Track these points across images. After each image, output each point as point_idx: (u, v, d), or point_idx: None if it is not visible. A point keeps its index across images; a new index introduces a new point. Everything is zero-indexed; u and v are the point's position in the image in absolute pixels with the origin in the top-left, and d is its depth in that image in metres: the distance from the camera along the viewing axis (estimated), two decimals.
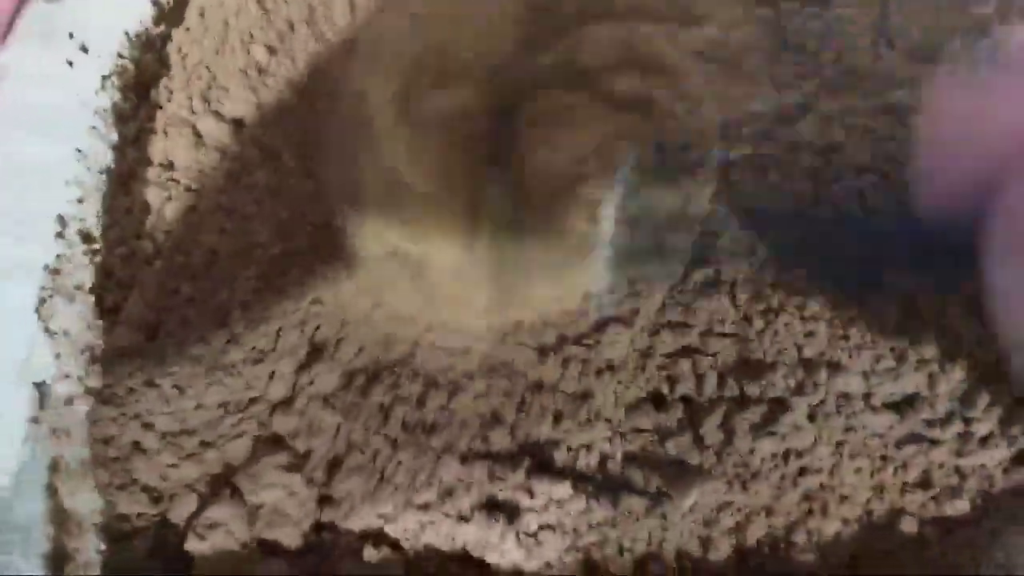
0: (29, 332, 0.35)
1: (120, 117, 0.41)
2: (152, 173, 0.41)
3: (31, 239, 0.37)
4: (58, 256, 0.37)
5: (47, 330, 0.35)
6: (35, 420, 0.34)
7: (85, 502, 0.34)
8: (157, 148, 0.42)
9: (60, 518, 0.33)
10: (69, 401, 0.35)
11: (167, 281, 0.39)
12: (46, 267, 0.36)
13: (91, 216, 0.38)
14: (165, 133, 0.42)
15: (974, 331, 0.35)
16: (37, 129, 0.40)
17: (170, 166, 0.42)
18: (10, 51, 0.42)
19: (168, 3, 0.45)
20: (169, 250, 0.40)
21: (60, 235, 0.37)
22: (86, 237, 0.38)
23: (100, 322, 0.37)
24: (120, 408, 0.35)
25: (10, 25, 0.42)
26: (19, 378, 0.34)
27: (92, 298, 0.37)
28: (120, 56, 0.42)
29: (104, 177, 0.39)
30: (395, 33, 0.43)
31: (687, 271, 0.37)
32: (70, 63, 0.39)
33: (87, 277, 0.37)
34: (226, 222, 0.40)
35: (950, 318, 0.36)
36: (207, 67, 0.43)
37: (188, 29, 0.44)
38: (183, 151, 0.42)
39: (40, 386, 0.34)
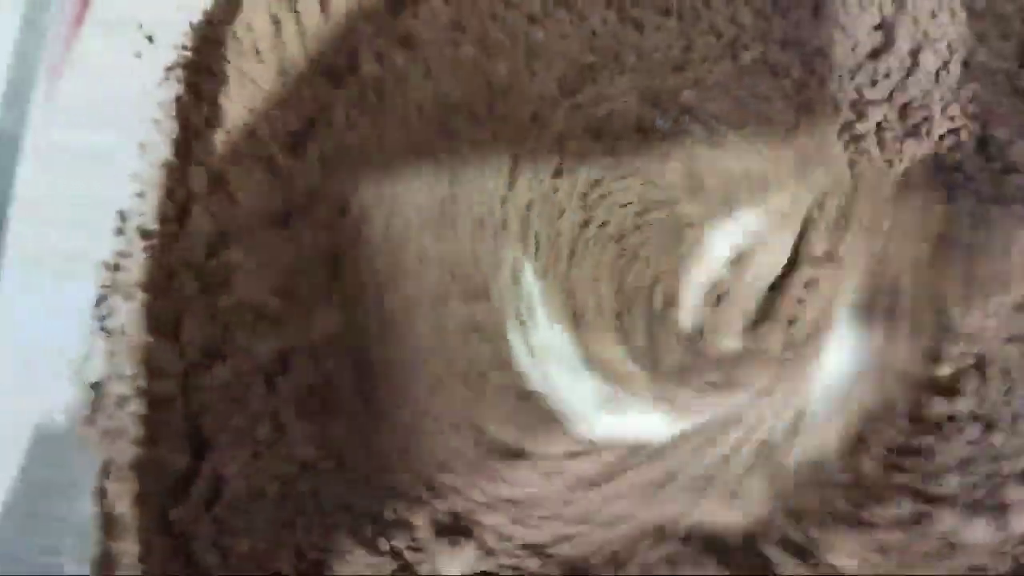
0: (85, 330, 0.35)
1: (182, 109, 0.40)
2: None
3: (91, 233, 0.37)
4: (118, 252, 0.36)
5: (104, 329, 0.35)
6: (89, 420, 0.33)
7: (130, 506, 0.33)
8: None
9: (109, 522, 0.33)
10: (121, 403, 0.35)
11: None
12: (106, 264, 0.36)
13: (150, 211, 0.38)
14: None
15: None
16: (102, 121, 0.39)
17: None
18: (82, 41, 0.41)
19: None
20: None
21: (120, 231, 0.37)
22: (145, 233, 0.37)
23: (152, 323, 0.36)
24: None
25: (83, 12, 0.42)
26: (75, 377, 0.34)
27: (148, 295, 0.37)
28: (184, 48, 0.41)
29: (164, 171, 0.39)
30: None
31: None
32: (138, 54, 0.38)
33: (144, 274, 0.37)
34: None
35: None
36: None
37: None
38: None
39: (95, 387, 0.34)
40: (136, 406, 0.35)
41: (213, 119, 0.40)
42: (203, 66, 0.41)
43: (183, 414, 0.36)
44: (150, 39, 0.39)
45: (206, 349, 0.37)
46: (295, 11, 0.42)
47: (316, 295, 0.39)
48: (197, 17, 0.42)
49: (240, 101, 0.40)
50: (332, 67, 0.43)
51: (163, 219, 0.38)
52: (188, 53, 0.41)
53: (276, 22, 0.42)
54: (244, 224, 0.39)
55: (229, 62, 0.41)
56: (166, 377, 0.36)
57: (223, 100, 0.41)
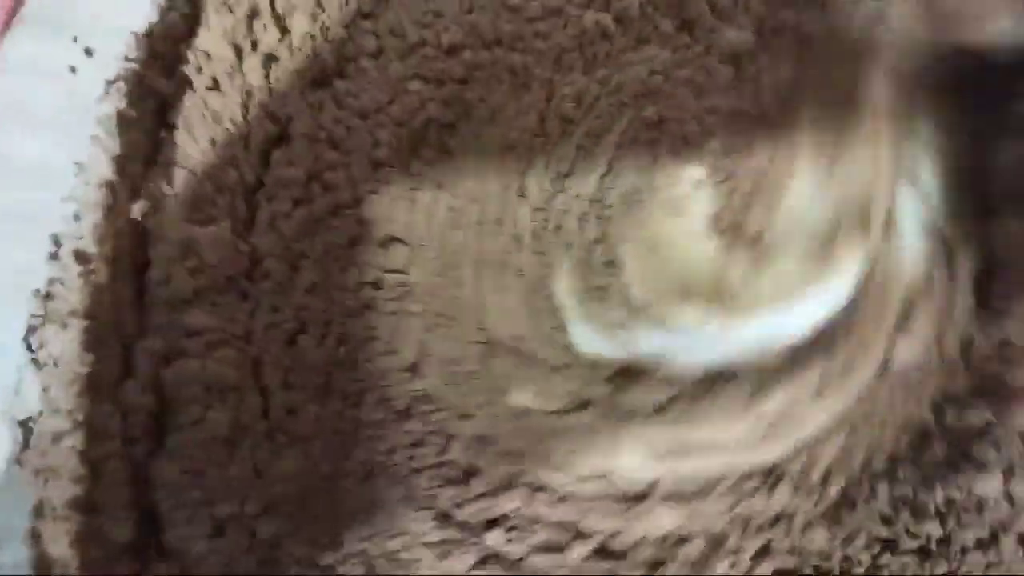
0: (16, 363, 0.33)
1: (123, 124, 0.38)
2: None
3: (22, 256, 0.35)
4: (51, 279, 0.34)
5: (35, 361, 0.33)
6: (19, 462, 0.31)
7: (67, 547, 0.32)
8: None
9: (45, 565, 0.31)
10: (57, 439, 0.33)
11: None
12: (37, 292, 0.34)
13: (87, 233, 0.36)
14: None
15: None
16: (36, 131, 0.37)
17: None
18: (12, 40, 0.39)
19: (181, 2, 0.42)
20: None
21: (54, 256, 0.35)
22: (80, 256, 0.35)
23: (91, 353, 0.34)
24: None
25: (14, 9, 0.40)
26: (3, 415, 0.32)
27: (85, 323, 0.35)
28: (127, 59, 0.39)
29: (104, 191, 0.37)
30: None
31: None
32: (72, 68, 0.36)
33: (80, 301, 0.35)
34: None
35: None
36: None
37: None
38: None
39: (25, 423, 0.32)
40: (73, 441, 0.33)
41: (160, 139, 0.38)
42: (149, 82, 0.39)
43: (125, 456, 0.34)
44: (88, 52, 0.37)
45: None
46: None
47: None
48: (141, 26, 0.40)
49: (196, 126, 0.39)
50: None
51: (101, 242, 0.36)
52: (133, 65, 0.39)
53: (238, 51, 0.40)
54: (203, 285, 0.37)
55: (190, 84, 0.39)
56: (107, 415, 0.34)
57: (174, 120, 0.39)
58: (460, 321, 0.40)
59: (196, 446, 0.36)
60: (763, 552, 0.37)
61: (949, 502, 0.39)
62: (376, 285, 0.40)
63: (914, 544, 0.38)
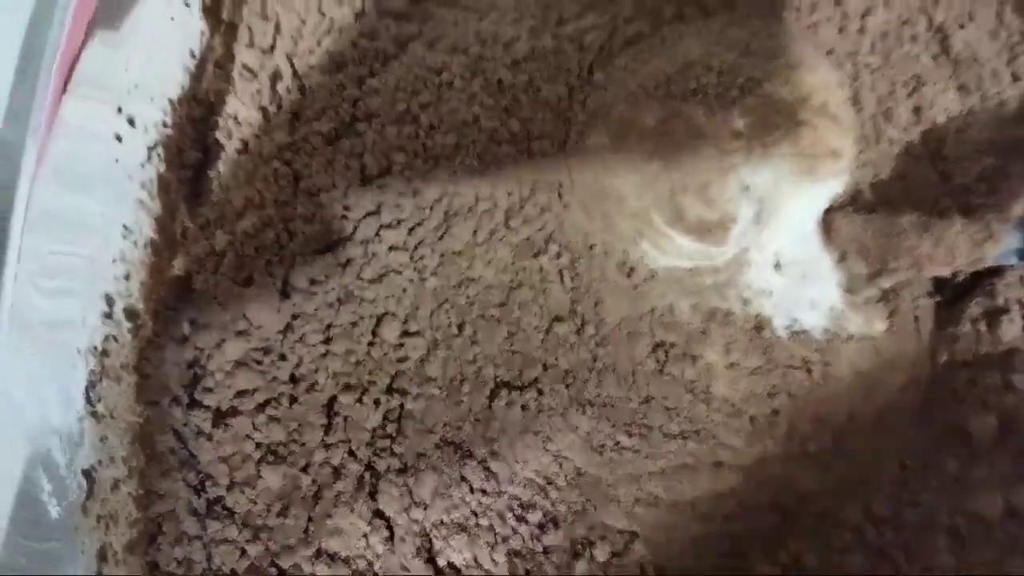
0: (77, 414, 0.35)
1: (164, 188, 0.41)
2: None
3: (78, 315, 0.37)
4: (106, 337, 0.37)
5: (95, 414, 0.35)
6: (84, 509, 0.34)
7: None
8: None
9: None
10: (115, 486, 0.35)
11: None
12: (95, 350, 0.36)
13: (136, 292, 0.38)
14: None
15: None
16: (88, 190, 0.39)
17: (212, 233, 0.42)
18: (69, 105, 0.41)
19: (212, 66, 0.45)
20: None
21: (108, 315, 0.37)
22: (131, 314, 0.38)
23: (143, 405, 0.37)
24: None
25: (71, 72, 0.41)
26: (69, 466, 0.34)
27: (136, 377, 0.37)
28: (164, 125, 0.41)
29: (149, 251, 0.39)
30: None
31: None
32: (118, 137, 0.39)
33: (132, 355, 0.37)
34: None
35: None
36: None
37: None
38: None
39: (88, 473, 0.35)
40: (130, 488, 0.36)
41: (200, 200, 0.41)
42: (185, 147, 0.42)
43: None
44: (131, 122, 0.39)
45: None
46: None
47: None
48: (176, 92, 0.43)
49: (231, 188, 0.41)
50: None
51: (148, 299, 0.39)
52: (170, 131, 0.42)
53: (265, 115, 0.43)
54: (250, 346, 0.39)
55: (222, 148, 0.42)
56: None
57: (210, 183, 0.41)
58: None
59: (252, 503, 0.38)
60: None
61: None
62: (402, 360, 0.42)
63: None
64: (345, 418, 0.40)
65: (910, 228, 0.44)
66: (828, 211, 0.47)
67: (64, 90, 0.39)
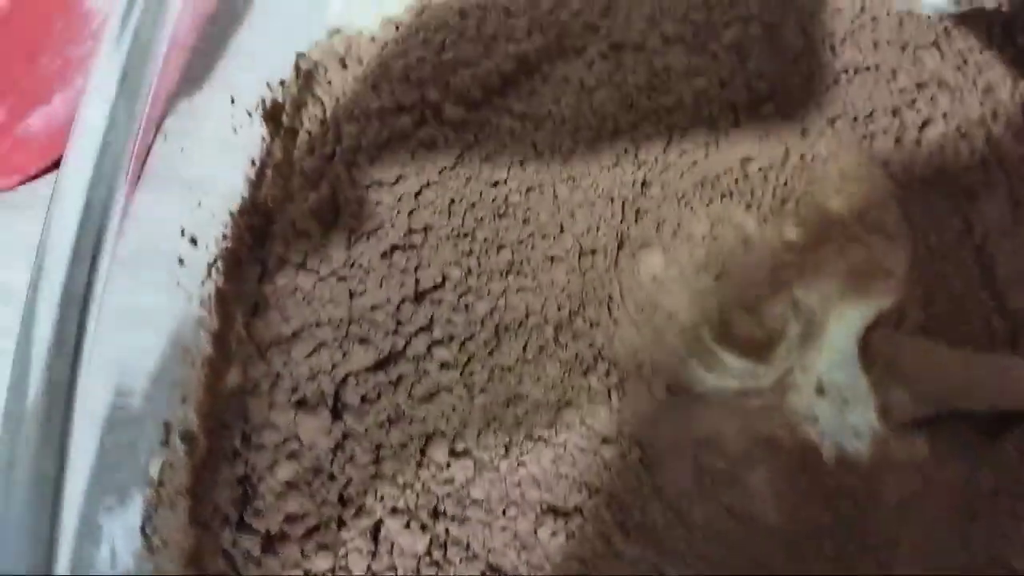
0: (134, 547, 0.35)
1: (222, 302, 0.41)
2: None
3: (138, 434, 0.37)
4: (163, 464, 0.37)
5: (150, 547, 0.36)
6: None
7: None
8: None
9: None
10: None
11: None
12: (151, 481, 0.36)
13: (192, 415, 0.39)
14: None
15: None
16: (160, 288, 0.39)
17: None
18: (140, 196, 0.40)
19: (268, 171, 0.46)
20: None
21: (164, 443, 0.37)
22: (187, 437, 0.38)
23: (195, 529, 0.37)
24: None
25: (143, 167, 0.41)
26: None
27: (188, 500, 0.38)
28: (224, 238, 0.42)
29: (205, 369, 0.40)
30: None
31: None
32: (181, 260, 0.39)
33: (187, 478, 0.38)
34: None
35: None
36: None
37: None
38: None
39: None
40: None
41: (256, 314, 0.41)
42: (244, 259, 0.42)
43: None
44: (193, 242, 0.40)
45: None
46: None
47: None
48: (237, 202, 0.43)
49: (287, 307, 0.41)
50: None
51: (203, 416, 0.39)
52: (229, 244, 0.42)
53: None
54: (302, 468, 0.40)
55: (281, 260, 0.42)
56: None
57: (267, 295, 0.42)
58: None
59: None
60: None
61: None
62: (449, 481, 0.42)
63: None
64: (391, 544, 0.40)
65: (951, 359, 0.43)
66: (868, 331, 0.46)
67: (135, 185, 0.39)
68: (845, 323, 0.48)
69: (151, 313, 0.38)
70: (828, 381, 0.46)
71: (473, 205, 0.46)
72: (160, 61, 0.36)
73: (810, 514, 0.45)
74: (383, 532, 0.40)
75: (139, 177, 0.36)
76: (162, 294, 0.38)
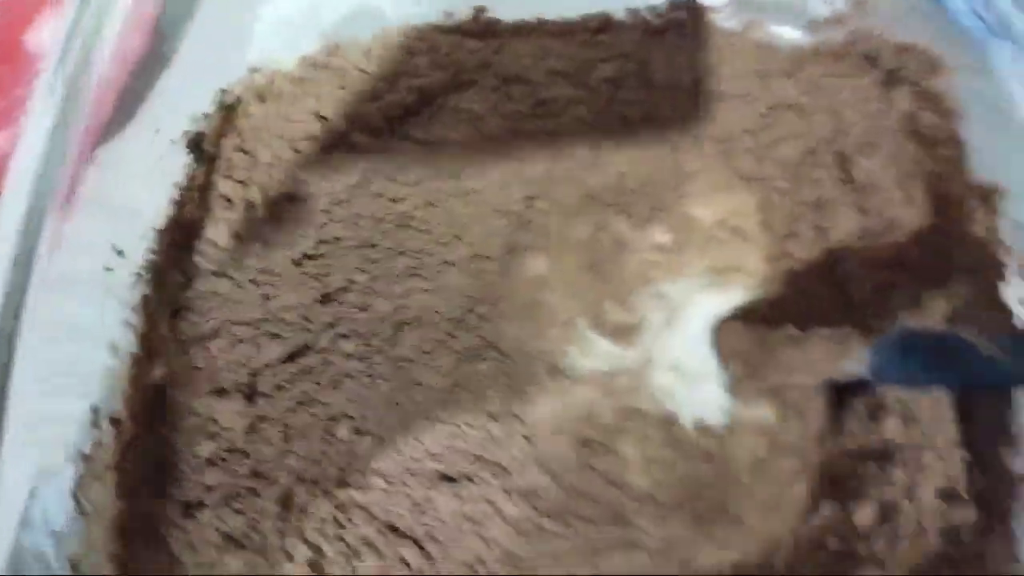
0: (66, 510, 0.41)
1: (147, 306, 0.47)
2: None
3: (70, 419, 0.43)
4: (92, 443, 0.43)
5: (82, 511, 0.41)
6: None
7: None
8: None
9: None
10: (97, 571, 0.41)
11: None
12: (81, 454, 0.42)
13: (119, 401, 0.45)
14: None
15: None
16: (85, 302, 0.46)
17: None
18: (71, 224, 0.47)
19: (192, 192, 0.52)
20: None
21: (95, 423, 0.43)
22: (114, 421, 0.44)
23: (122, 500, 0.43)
24: None
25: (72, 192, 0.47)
26: (56, 556, 0.40)
27: (115, 474, 0.43)
28: (151, 251, 0.48)
29: (131, 362, 0.46)
30: None
31: None
32: (109, 269, 0.46)
33: (114, 456, 0.44)
34: None
35: None
36: None
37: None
38: None
39: (73, 561, 0.40)
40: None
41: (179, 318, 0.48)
42: (168, 271, 0.48)
43: None
44: (120, 253, 0.46)
45: None
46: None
47: None
48: (162, 221, 0.50)
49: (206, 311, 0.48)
50: None
51: (129, 404, 0.45)
52: (155, 258, 0.49)
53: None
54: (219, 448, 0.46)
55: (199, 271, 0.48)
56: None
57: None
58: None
59: None
60: None
61: None
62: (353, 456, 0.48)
63: None
64: (300, 509, 0.46)
65: (780, 340, 0.51)
66: (718, 320, 0.54)
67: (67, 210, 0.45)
68: (702, 313, 0.56)
69: (82, 316, 0.44)
70: (683, 362, 0.53)
71: (378, 219, 0.53)
72: (89, 101, 0.42)
73: (673, 476, 0.52)
74: (293, 500, 0.46)
75: (70, 203, 0.42)
76: (92, 301, 0.44)
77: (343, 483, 0.47)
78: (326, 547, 0.46)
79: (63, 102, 0.41)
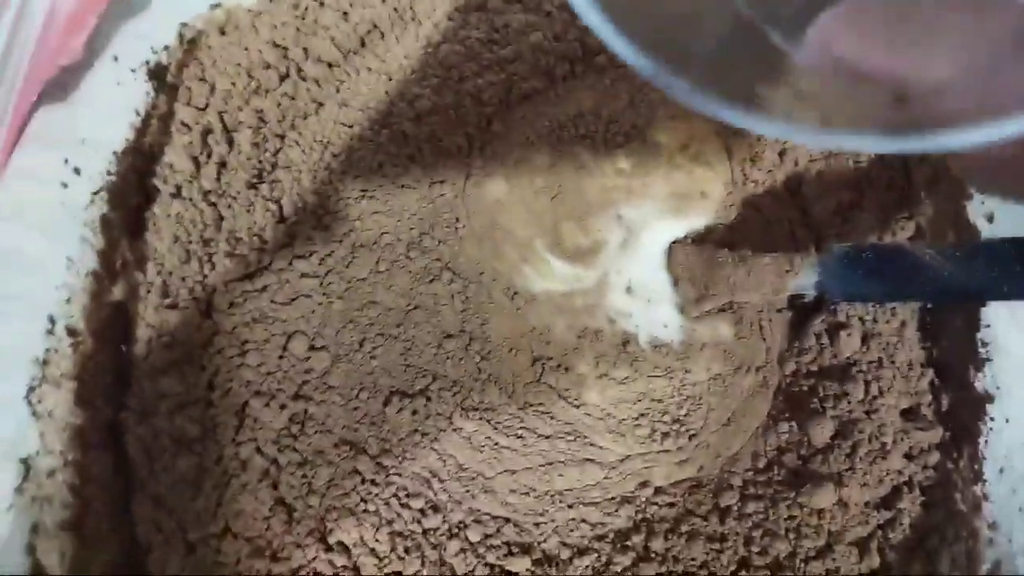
0: (18, 415, 0.42)
1: (106, 226, 0.48)
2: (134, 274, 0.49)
3: (21, 331, 0.45)
4: (47, 350, 0.44)
5: (35, 413, 0.42)
6: (19, 490, 0.41)
7: (58, 559, 0.41)
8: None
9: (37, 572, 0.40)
10: (51, 474, 0.42)
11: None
12: (36, 359, 0.43)
13: (77, 313, 0.46)
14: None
15: None
16: (35, 228, 0.47)
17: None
18: (21, 155, 0.49)
19: (153, 120, 0.53)
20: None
21: (50, 331, 0.44)
22: (71, 332, 0.45)
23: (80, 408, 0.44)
24: None
25: (23, 128, 0.50)
26: (6, 455, 0.41)
27: (74, 383, 0.44)
28: (109, 173, 0.49)
29: (90, 279, 0.47)
30: None
31: None
32: (64, 184, 0.47)
33: (71, 366, 0.45)
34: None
35: None
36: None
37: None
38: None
39: (25, 461, 0.42)
40: (65, 476, 0.43)
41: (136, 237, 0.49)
42: (126, 192, 0.50)
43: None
44: (77, 171, 0.47)
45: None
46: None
47: None
48: (120, 145, 0.51)
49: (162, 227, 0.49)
50: None
51: (88, 320, 0.46)
52: (113, 179, 0.50)
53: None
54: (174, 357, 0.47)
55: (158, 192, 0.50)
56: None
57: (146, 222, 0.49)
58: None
59: (168, 487, 0.45)
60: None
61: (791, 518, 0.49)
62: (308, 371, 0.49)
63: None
64: (255, 420, 0.47)
65: (729, 260, 0.51)
66: (672, 242, 0.54)
67: (15, 143, 0.47)
68: (662, 236, 0.56)
69: (34, 219, 0.45)
70: (637, 283, 0.54)
71: (328, 143, 0.54)
72: (33, 39, 0.43)
73: (630, 393, 0.52)
74: (247, 410, 0.47)
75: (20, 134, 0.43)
76: (45, 222, 0.46)
77: (297, 396, 0.48)
78: (280, 457, 0.47)
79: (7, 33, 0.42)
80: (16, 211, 0.45)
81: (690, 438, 0.52)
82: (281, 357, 0.49)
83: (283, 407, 0.47)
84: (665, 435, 0.52)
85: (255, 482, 0.46)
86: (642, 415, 0.52)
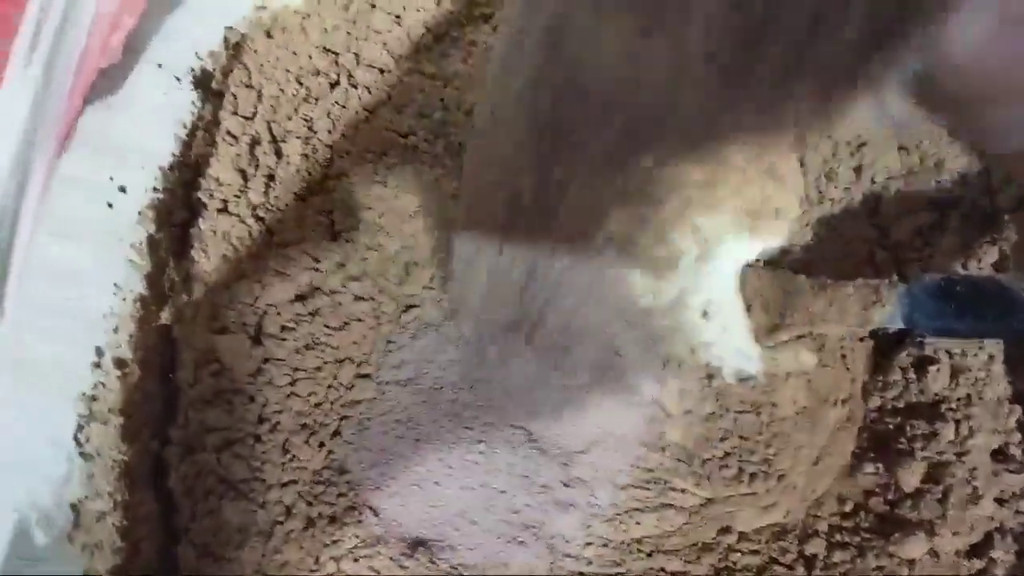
0: (66, 454, 0.40)
1: (153, 247, 0.46)
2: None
3: (70, 361, 0.42)
4: (95, 384, 0.42)
5: (83, 454, 0.40)
6: (70, 539, 0.39)
7: None
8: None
9: None
10: (100, 518, 0.40)
11: None
12: (83, 395, 0.41)
13: (124, 343, 0.43)
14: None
15: None
16: (80, 245, 0.45)
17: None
18: (67, 163, 0.45)
19: (200, 134, 0.50)
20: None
21: (97, 365, 0.42)
22: (119, 363, 0.43)
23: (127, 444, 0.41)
24: None
25: (69, 132, 0.46)
26: (58, 501, 0.39)
27: (122, 419, 0.42)
28: (155, 189, 0.46)
29: (137, 304, 0.44)
30: None
31: None
32: (110, 204, 0.44)
33: (118, 399, 0.42)
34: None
35: None
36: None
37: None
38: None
39: (75, 506, 0.39)
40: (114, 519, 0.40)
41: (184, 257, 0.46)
42: (172, 209, 0.47)
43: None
44: (123, 189, 0.44)
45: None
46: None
47: None
48: (166, 157, 0.48)
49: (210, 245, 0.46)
50: None
51: (136, 349, 0.43)
52: (159, 195, 0.47)
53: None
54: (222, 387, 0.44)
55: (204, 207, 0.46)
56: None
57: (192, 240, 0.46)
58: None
59: (213, 533, 0.42)
60: None
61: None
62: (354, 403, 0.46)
63: None
64: (292, 457, 0.44)
65: (807, 288, 0.47)
66: (745, 265, 0.50)
67: (61, 152, 0.44)
68: (735, 255, 0.52)
69: (81, 237, 0.42)
70: (712, 306, 0.50)
71: (384, 154, 0.51)
72: (82, 41, 0.40)
73: (716, 431, 0.49)
74: (286, 446, 0.44)
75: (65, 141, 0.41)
76: (91, 241, 0.43)
77: (337, 434, 0.46)
78: (310, 511, 0.45)
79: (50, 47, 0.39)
80: (68, 228, 0.43)
81: (779, 479, 0.49)
82: (330, 387, 0.46)
83: (321, 445, 0.45)
84: (753, 476, 0.49)
85: (300, 530, 0.43)
86: (728, 455, 0.49)
